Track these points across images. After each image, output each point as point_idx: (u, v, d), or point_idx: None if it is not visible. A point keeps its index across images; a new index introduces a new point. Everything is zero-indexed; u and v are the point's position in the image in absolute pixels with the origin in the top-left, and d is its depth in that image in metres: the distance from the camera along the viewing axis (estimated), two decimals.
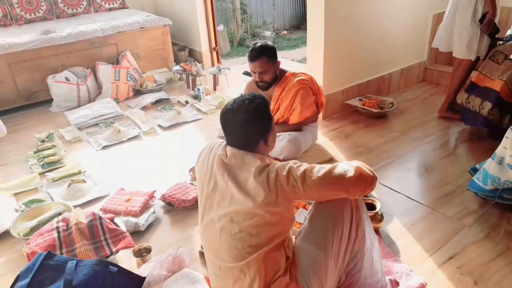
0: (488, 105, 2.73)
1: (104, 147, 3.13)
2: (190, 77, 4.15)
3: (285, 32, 7.82)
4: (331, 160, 2.75)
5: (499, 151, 1.98)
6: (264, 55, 2.48)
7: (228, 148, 1.48)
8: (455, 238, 1.98)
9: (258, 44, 2.51)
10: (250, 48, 2.52)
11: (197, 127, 3.45)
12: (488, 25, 2.81)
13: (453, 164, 2.62)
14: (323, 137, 3.08)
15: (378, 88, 3.68)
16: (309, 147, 2.81)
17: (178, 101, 3.93)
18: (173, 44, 4.83)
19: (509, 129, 1.93)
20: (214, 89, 4.18)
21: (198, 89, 3.91)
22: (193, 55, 4.87)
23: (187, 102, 3.87)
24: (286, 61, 5.73)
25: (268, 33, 7.19)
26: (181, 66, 4.25)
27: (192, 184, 2.48)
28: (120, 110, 3.69)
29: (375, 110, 3.29)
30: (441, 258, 1.86)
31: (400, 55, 3.75)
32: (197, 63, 4.30)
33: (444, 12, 3.11)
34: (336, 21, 3.11)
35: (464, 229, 2.04)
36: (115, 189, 2.50)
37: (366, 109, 3.33)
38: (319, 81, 3.16)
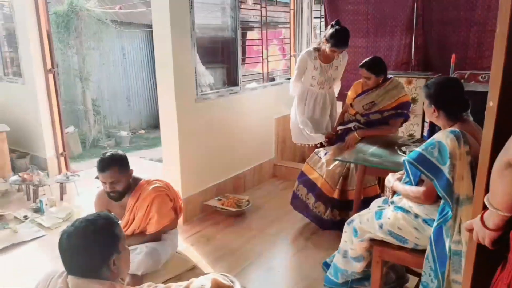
0: (312, 198, 3.09)
1: None
2: (31, 188, 3.70)
3: (142, 131, 7.82)
4: (194, 268, 2.65)
5: (342, 245, 2.19)
6: (115, 165, 2.39)
7: (70, 278, 1.31)
8: None
9: (108, 154, 2.42)
10: (99, 159, 2.41)
11: (38, 246, 2.99)
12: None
13: (307, 257, 2.79)
14: (184, 243, 2.99)
15: (234, 186, 3.85)
16: (169, 256, 2.67)
17: (15, 217, 3.40)
18: (12, 151, 4.32)
19: (345, 224, 2.18)
20: (61, 199, 3.78)
21: (41, 201, 3.48)
22: (36, 162, 4.40)
23: (26, 217, 3.38)
24: (144, 161, 5.64)
25: (124, 133, 7.08)
26: (19, 176, 3.77)
27: None
28: None
29: (233, 210, 3.39)
30: None
31: (252, 155, 4.06)
32: (39, 171, 3.88)
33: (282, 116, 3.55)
34: (190, 126, 3.25)
35: None
36: None
37: (225, 208, 3.41)
38: (177, 183, 3.16)
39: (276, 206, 3.64)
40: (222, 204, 3.45)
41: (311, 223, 3.23)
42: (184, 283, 1.39)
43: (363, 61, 3.03)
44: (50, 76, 4.25)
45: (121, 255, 1.39)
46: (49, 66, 4.21)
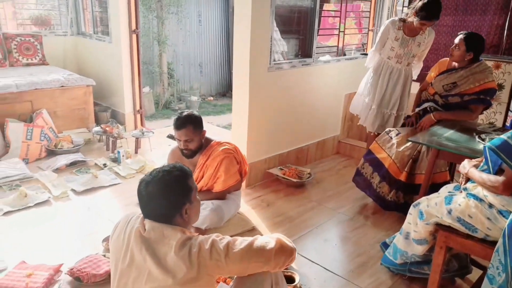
0: (377, 178, 3.02)
1: (6, 213, 2.82)
2: (111, 139, 4.02)
3: (211, 98, 8.04)
4: (253, 229, 2.77)
5: (405, 226, 2.16)
6: (190, 124, 2.51)
7: (146, 221, 1.44)
8: None
9: (185, 113, 2.54)
10: (176, 117, 2.55)
11: (114, 192, 3.28)
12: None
13: (365, 235, 2.79)
14: (246, 205, 3.11)
15: (297, 158, 3.89)
16: (232, 215, 2.81)
17: (96, 164, 3.75)
18: (95, 104, 4.70)
19: (411, 206, 2.14)
20: (136, 152, 4.08)
21: (118, 152, 3.78)
22: (116, 117, 4.75)
23: (105, 165, 3.70)
24: (212, 126, 5.84)
25: (194, 98, 7.33)
26: (101, 128, 4.11)
27: (105, 256, 2.31)
28: (28, 171, 3.40)
29: (295, 180, 3.45)
30: None
31: (317, 129, 4.05)
32: (119, 125, 4.20)
33: (353, 93, 3.50)
34: (260, 95, 3.31)
35: None
36: (15, 263, 2.23)
37: (286, 178, 3.47)
38: (243, 149, 3.27)
39: (337, 182, 3.64)
40: (284, 174, 3.52)
41: (371, 203, 3.20)
42: (249, 238, 1.46)
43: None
44: (134, 36, 4.49)
45: (192, 205, 1.49)
46: (133, 27, 4.45)
